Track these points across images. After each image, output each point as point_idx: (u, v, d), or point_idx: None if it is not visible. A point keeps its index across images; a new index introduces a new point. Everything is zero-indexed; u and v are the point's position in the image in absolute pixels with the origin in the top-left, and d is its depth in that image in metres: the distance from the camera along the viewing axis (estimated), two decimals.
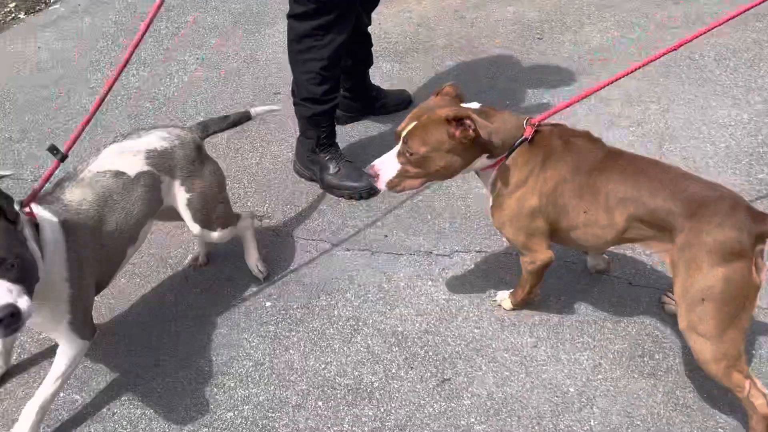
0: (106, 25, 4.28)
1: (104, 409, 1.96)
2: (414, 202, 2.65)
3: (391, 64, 3.59)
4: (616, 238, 1.81)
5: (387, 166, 1.83)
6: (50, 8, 4.62)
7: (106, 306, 2.29)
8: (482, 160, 1.85)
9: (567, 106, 1.97)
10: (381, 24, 4.03)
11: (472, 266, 2.34)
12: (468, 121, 1.73)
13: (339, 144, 2.80)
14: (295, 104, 2.70)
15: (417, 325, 2.15)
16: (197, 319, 2.22)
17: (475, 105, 1.85)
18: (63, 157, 1.84)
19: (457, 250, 2.41)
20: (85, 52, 3.97)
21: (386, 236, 2.50)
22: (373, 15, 4.08)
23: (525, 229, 1.89)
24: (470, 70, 3.47)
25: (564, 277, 2.27)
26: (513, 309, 2.14)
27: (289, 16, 2.55)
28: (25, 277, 1.53)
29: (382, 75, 3.47)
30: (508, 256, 2.37)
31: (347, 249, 2.46)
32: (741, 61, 3.29)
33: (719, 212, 1.58)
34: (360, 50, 2.93)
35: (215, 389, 1.99)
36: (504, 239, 2.37)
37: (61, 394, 1.99)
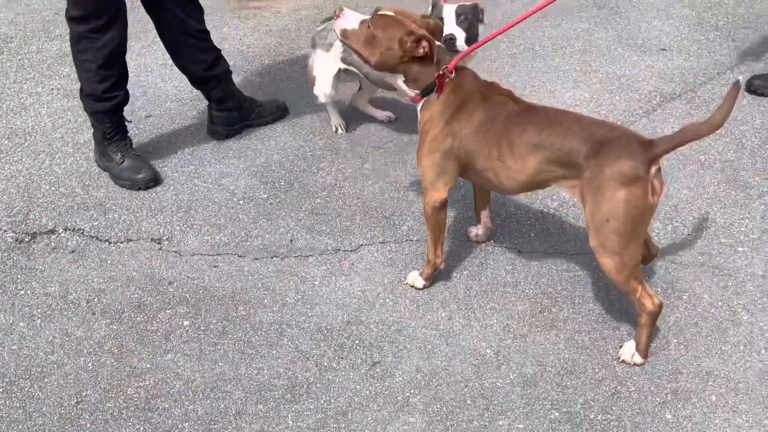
0: None
1: None
2: (313, 204, 2.74)
3: (260, 77, 3.64)
4: (527, 183, 2.06)
5: (351, 19, 2.11)
6: None
7: (9, 352, 2.16)
8: (401, 83, 2.13)
9: (470, 51, 2.22)
10: (242, 39, 4.07)
11: (379, 257, 2.48)
12: (424, 43, 2.02)
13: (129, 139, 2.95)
14: (81, 99, 2.86)
15: (339, 318, 2.25)
16: (114, 350, 2.16)
17: (437, 44, 2.09)
18: None
19: (362, 244, 2.54)
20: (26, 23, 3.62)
21: (291, 241, 2.57)
22: (231, 30, 4.13)
23: (436, 167, 2.13)
24: None
25: (461, 253, 2.47)
26: (424, 286, 2.31)
27: (67, 18, 2.69)
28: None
29: (254, 88, 3.52)
30: (409, 242, 2.54)
31: (255, 258, 2.50)
32: (575, 48, 3.73)
33: (616, 147, 1.87)
34: (201, 55, 2.97)
35: (150, 413, 1.96)
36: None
37: None
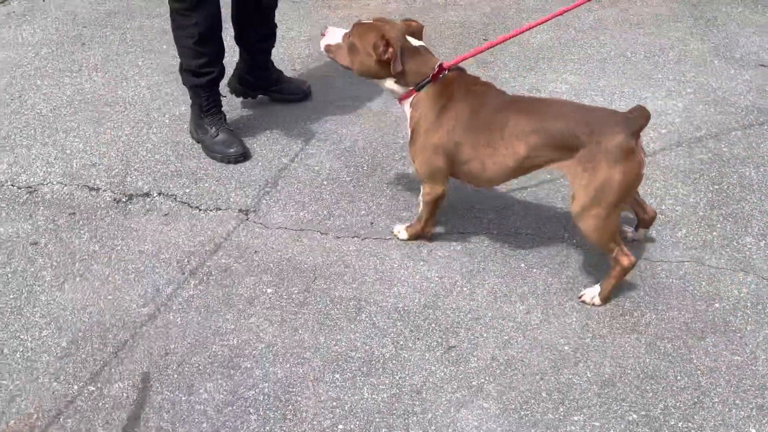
0: (48, 32, 4.17)
1: (123, 397, 1.96)
2: (394, 190, 2.78)
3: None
4: (515, 168, 2.14)
5: (334, 35, 2.25)
6: None
7: (104, 301, 2.28)
8: (391, 83, 2.21)
9: (479, 52, 2.33)
10: None
11: (458, 246, 2.50)
12: (390, 49, 2.11)
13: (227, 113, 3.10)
14: (180, 73, 2.97)
15: (416, 300, 2.27)
16: (201, 309, 2.25)
17: (418, 43, 2.18)
18: None
19: (441, 233, 2.56)
20: (30, 60, 3.86)
21: (372, 223, 2.62)
22: (321, 19, 4.22)
23: (428, 163, 2.23)
24: None
25: (542, 250, 2.46)
26: (408, 239, 2.47)
27: None
28: None
29: (338, 75, 3.59)
30: (489, 235, 2.54)
31: (337, 236, 2.55)
32: (668, 57, 3.65)
33: (610, 123, 2.00)
34: (261, 26, 3.12)
35: (232, 371, 2.04)
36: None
37: (75, 387, 1.98)
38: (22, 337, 2.17)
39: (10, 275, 2.40)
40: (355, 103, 3.37)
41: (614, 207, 2.04)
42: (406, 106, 2.24)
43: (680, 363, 2.04)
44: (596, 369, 2.04)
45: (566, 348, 2.11)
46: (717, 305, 2.22)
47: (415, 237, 2.46)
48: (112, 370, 2.05)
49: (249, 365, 2.06)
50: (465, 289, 2.32)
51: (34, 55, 3.90)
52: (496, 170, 2.16)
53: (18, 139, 3.14)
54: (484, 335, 2.15)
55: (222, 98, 3.08)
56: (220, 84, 3.04)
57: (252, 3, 3.02)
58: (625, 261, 2.14)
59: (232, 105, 3.34)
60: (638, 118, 2.01)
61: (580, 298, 2.24)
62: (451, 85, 2.17)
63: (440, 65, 2.17)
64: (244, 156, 2.96)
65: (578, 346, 2.11)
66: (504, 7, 4.33)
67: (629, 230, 2.46)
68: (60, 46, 3.99)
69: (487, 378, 2.02)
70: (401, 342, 2.13)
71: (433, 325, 2.19)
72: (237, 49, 3.23)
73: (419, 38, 2.24)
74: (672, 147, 2.96)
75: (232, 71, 3.28)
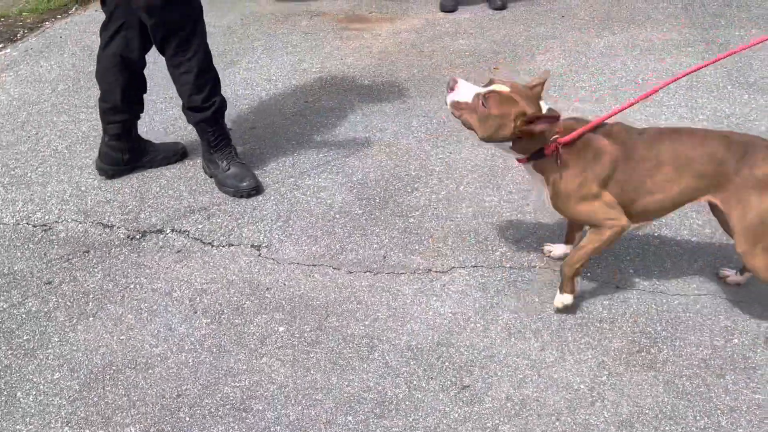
0: (65, 67, 4.24)
1: None
2: (407, 223, 2.77)
3: (358, 96, 3.74)
4: (680, 199, 2.12)
5: (464, 91, 2.12)
6: (0, 53, 4.53)
7: (117, 342, 2.28)
8: (504, 145, 2.14)
9: (599, 122, 2.15)
10: (343, 59, 4.19)
11: (471, 281, 2.48)
12: (538, 128, 2.04)
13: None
14: (184, 113, 3.00)
15: (429, 338, 2.25)
16: (213, 348, 2.24)
17: (545, 105, 2.12)
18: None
19: (454, 266, 2.54)
20: (47, 96, 3.92)
21: (384, 257, 2.61)
22: (334, 51, 4.26)
23: (603, 205, 2.12)
24: (435, 98, 3.66)
25: (556, 284, 2.43)
26: (571, 298, 2.28)
27: (158, 40, 2.82)
28: None
29: (352, 105, 3.61)
30: (502, 269, 2.52)
31: (349, 271, 2.55)
32: (680, 83, 3.62)
33: (759, 150, 1.98)
34: (135, 95, 3.00)
35: (244, 413, 2.02)
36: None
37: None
38: (35, 379, 2.17)
39: (24, 316, 2.42)
40: (366, 134, 3.39)
41: None
42: (530, 166, 2.19)
43: (699, 402, 2.00)
44: (613, 409, 2.00)
45: (582, 387, 2.07)
46: (736, 340, 2.18)
47: (571, 291, 2.28)
48: (124, 413, 2.04)
49: (261, 407, 2.04)
50: (479, 325, 2.30)
51: (51, 92, 3.97)
52: (661, 205, 2.14)
53: (34, 177, 3.18)
54: (498, 374, 2.12)
55: (229, 130, 3.10)
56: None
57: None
58: None
59: (243, 139, 3.37)
60: None
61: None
62: (589, 141, 2.11)
63: (554, 138, 2.11)
64: (256, 190, 2.97)
65: (594, 384, 2.08)
66: (514, 35, 4.34)
67: (728, 272, 2.39)
68: (76, 82, 4.06)
69: (501, 419, 1.99)
70: (414, 382, 2.11)
71: (446, 363, 2.17)
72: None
73: (542, 97, 2.17)
74: None
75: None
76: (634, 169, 2.10)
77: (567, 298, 2.27)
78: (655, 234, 2.63)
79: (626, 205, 2.14)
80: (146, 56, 2.95)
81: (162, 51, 2.85)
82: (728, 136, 2.07)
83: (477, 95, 2.09)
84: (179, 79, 2.89)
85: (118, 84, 2.91)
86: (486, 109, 2.07)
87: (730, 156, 2.00)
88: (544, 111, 2.10)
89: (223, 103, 3.01)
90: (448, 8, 4.81)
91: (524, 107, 2.05)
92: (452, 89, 2.13)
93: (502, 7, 4.73)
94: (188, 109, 2.96)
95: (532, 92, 2.12)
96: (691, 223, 2.67)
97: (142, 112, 3.11)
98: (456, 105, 2.14)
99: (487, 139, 2.13)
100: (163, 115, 3.67)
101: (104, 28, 2.87)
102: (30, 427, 2.02)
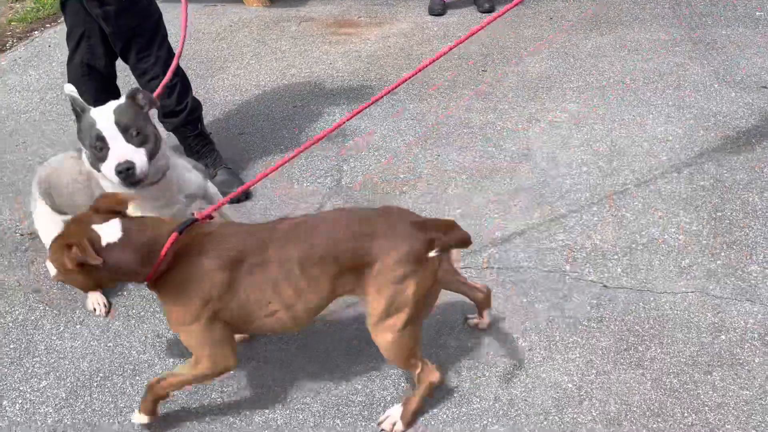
0: (53, 76, 4.24)
1: None
2: None
3: (347, 100, 3.74)
4: (326, 302, 1.84)
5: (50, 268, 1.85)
6: None
7: (104, 349, 2.27)
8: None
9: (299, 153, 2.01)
10: (332, 63, 4.20)
11: None
12: (74, 249, 1.64)
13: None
14: (160, 121, 2.94)
15: None
16: None
17: (113, 226, 1.70)
18: None
19: None
20: (36, 105, 3.92)
21: None
22: (323, 56, 4.27)
23: (209, 338, 1.79)
24: (424, 101, 3.67)
25: (545, 284, 2.43)
26: (147, 419, 1.95)
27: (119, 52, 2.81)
28: (146, 144, 1.98)
29: (342, 112, 3.61)
30: (489, 270, 2.52)
31: None
32: (668, 83, 3.64)
33: (391, 235, 1.75)
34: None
35: (232, 418, 2.02)
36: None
37: None
38: (21, 388, 2.16)
39: (11, 324, 2.41)
40: (355, 138, 3.39)
41: (412, 322, 1.80)
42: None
43: (687, 399, 2.00)
44: (601, 407, 2.00)
45: (570, 386, 2.07)
46: (723, 337, 2.18)
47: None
48: (111, 420, 2.03)
49: (248, 412, 2.03)
50: (466, 325, 2.29)
51: (39, 100, 3.96)
52: (307, 315, 1.83)
53: (21, 185, 3.18)
54: (486, 374, 2.12)
55: (209, 133, 3.09)
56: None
57: None
58: (433, 377, 1.90)
59: (232, 145, 3.36)
60: (437, 226, 1.79)
61: (379, 425, 1.94)
62: (199, 245, 1.76)
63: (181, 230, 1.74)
64: (245, 195, 2.97)
65: (582, 383, 2.07)
66: (502, 37, 4.36)
67: (473, 318, 2.27)
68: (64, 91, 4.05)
69: (490, 419, 1.99)
70: (402, 384, 2.10)
71: (434, 364, 2.16)
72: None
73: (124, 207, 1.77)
74: (673, 174, 2.94)
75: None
76: (256, 280, 1.75)
77: (143, 419, 1.93)
78: (643, 232, 2.63)
79: (248, 324, 1.83)
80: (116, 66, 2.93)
81: (125, 59, 2.84)
82: (358, 221, 1.80)
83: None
84: (147, 87, 2.84)
85: (89, 94, 2.83)
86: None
87: (367, 244, 1.75)
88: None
89: (196, 105, 2.99)
90: (436, 12, 4.83)
91: (67, 240, 1.67)
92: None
93: (490, 10, 4.75)
94: (163, 116, 2.95)
95: (95, 215, 1.73)
96: (679, 220, 2.68)
97: None
98: (55, 278, 1.86)
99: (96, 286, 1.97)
100: None
101: (68, 37, 2.84)
102: None
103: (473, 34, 2.02)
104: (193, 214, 1.85)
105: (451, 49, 2.02)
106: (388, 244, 1.75)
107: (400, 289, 1.76)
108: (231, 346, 1.84)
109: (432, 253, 1.76)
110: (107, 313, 2.39)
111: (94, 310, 2.40)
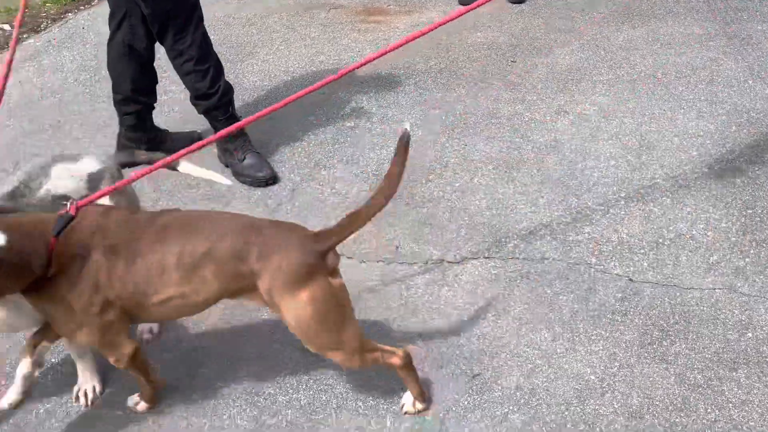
0: (87, 57, 4.30)
1: (149, 422, 1.99)
2: (420, 214, 2.78)
3: (375, 88, 3.75)
4: (214, 298, 1.79)
5: None
6: (24, 44, 4.60)
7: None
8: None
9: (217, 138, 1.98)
10: (360, 51, 4.20)
11: (483, 272, 2.48)
12: None
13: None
14: (192, 104, 3.01)
15: (440, 327, 2.26)
16: (226, 334, 2.28)
17: None
18: None
19: (466, 257, 2.55)
20: (69, 86, 3.99)
21: (398, 247, 2.62)
22: (351, 43, 4.28)
23: (98, 327, 1.75)
24: (452, 90, 3.66)
25: (570, 276, 2.43)
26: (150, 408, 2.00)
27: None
28: None
29: (369, 98, 3.62)
30: (514, 260, 2.52)
31: (362, 261, 2.56)
32: (700, 78, 3.59)
33: (282, 246, 1.71)
34: (147, 86, 3.02)
35: (255, 397, 2.05)
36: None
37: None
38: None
39: None
40: (382, 126, 3.40)
41: (339, 328, 1.77)
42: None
43: (711, 395, 1.99)
44: (623, 400, 2.00)
45: (592, 377, 2.07)
46: (750, 334, 2.16)
47: (153, 401, 2.01)
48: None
49: (272, 391, 2.07)
50: (490, 315, 2.31)
51: (72, 81, 4.03)
52: (191, 311, 1.83)
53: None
54: (509, 363, 2.13)
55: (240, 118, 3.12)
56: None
57: None
58: (396, 361, 1.87)
59: (260, 130, 3.39)
60: (332, 233, 1.76)
61: (404, 414, 1.96)
62: (85, 231, 1.71)
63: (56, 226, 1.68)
64: (273, 179, 3.00)
65: (605, 375, 2.07)
66: (532, 28, 4.32)
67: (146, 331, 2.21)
68: (98, 72, 4.11)
69: (511, 407, 2.00)
70: (425, 369, 2.12)
71: (456, 352, 2.18)
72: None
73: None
74: (703, 169, 2.91)
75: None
76: (145, 268, 1.71)
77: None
78: (671, 227, 2.61)
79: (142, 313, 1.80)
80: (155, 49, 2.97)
81: (162, 41, 2.89)
82: (250, 230, 1.75)
83: None
84: (182, 69, 2.92)
85: (128, 74, 2.94)
86: None
87: (253, 254, 1.69)
88: None
89: (228, 88, 3.03)
90: (467, 2, 4.80)
91: None
92: None
93: (521, 1, 4.71)
94: (195, 98, 2.99)
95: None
96: (708, 216, 2.65)
97: (155, 102, 3.14)
98: None
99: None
100: (182, 105, 3.70)
101: (111, 17, 2.92)
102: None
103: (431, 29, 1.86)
104: (73, 202, 1.72)
105: (402, 44, 1.87)
106: (277, 255, 1.69)
107: (299, 303, 1.70)
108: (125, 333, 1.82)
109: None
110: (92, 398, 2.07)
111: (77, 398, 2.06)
